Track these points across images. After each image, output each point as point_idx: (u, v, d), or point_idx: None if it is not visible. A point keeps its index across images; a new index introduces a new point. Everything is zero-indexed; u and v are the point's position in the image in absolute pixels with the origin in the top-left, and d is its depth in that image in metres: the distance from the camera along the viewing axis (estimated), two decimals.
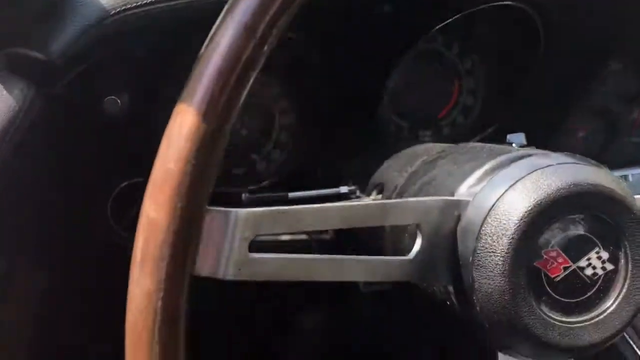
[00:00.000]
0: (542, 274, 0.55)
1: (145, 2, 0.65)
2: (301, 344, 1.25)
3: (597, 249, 0.56)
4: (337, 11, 0.86)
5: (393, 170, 0.79)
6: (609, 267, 0.57)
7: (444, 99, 1.25)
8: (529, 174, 0.56)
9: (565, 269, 0.56)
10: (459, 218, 0.57)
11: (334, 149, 1.08)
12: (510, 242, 0.53)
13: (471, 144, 0.77)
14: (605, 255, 0.56)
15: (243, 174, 1.15)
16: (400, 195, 0.72)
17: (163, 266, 0.46)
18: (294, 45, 0.93)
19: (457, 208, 0.56)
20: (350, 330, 1.29)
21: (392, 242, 0.66)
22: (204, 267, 0.49)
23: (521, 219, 0.53)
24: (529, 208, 0.53)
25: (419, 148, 0.85)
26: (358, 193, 0.83)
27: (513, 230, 0.53)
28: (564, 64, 1.10)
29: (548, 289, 0.55)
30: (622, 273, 0.57)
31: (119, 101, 0.73)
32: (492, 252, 0.53)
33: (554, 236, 0.55)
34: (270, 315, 1.23)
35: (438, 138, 1.25)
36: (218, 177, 0.49)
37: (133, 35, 0.67)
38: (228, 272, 0.49)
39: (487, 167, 0.60)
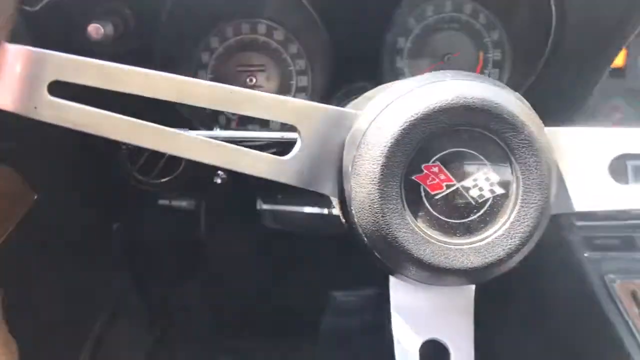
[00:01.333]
0: (422, 189, 0.54)
1: None
2: None
3: (485, 170, 0.54)
4: None
5: None
6: (499, 190, 0.54)
7: (467, 70, 1.21)
8: (420, 86, 0.55)
9: (448, 186, 0.54)
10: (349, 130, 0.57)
11: None
12: (383, 150, 0.52)
13: None
14: (494, 177, 0.54)
15: None
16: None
17: None
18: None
19: (347, 119, 0.57)
20: None
21: None
22: (2, 99, 0.52)
23: (397, 127, 0.53)
24: (407, 117, 0.53)
25: None
26: None
27: (388, 138, 0.53)
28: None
29: (427, 204, 0.54)
30: (512, 199, 0.54)
31: (101, 28, 0.81)
32: (368, 159, 0.53)
33: (437, 151, 0.54)
34: None
35: None
36: None
37: None
38: (24, 108, 0.52)
39: (396, 84, 0.60)
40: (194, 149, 0.55)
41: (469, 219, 0.54)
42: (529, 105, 0.57)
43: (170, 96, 0.54)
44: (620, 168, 0.92)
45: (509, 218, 0.54)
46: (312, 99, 1.20)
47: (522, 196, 0.53)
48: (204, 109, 1.16)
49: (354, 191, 0.54)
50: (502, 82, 1.19)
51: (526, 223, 0.53)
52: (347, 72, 1.11)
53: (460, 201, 0.54)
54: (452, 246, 0.54)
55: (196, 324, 1.61)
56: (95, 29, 0.80)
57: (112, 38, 0.85)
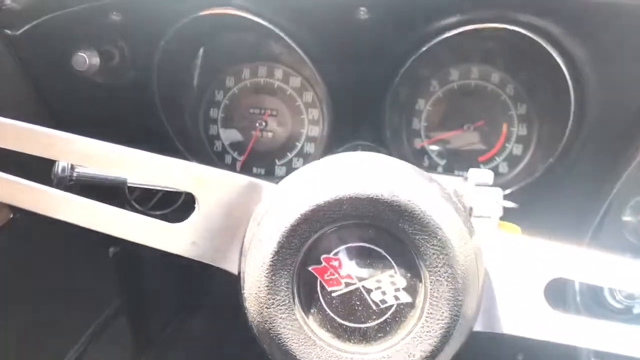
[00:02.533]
0: (318, 283, 0.48)
1: None
2: None
3: (391, 273, 0.47)
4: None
5: None
6: (404, 298, 0.47)
7: (488, 141, 1.13)
8: (333, 169, 0.49)
9: (347, 284, 0.48)
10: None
11: None
12: (279, 232, 0.47)
13: None
14: (401, 282, 0.47)
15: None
16: None
17: None
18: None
19: (258, 191, 0.52)
20: None
21: None
22: None
23: (298, 209, 0.47)
24: (310, 200, 0.47)
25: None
26: None
27: (286, 219, 0.47)
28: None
29: (322, 301, 0.48)
30: (417, 310, 0.47)
31: (86, 59, 0.81)
32: (263, 239, 0.48)
33: (340, 243, 0.48)
34: None
35: None
36: None
37: None
38: None
39: (319, 162, 0.55)
40: (75, 213, 0.52)
41: (367, 324, 0.48)
42: (464, 206, 0.50)
43: (45, 152, 0.51)
44: None
45: (411, 332, 0.47)
46: (319, 149, 1.17)
47: (428, 309, 0.46)
48: (200, 141, 1.16)
49: (246, 273, 0.49)
50: (525, 158, 1.13)
51: (429, 341, 0.46)
52: (355, 127, 1.06)
53: (359, 303, 0.48)
54: (343, 353, 0.47)
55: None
56: (80, 60, 0.80)
57: (103, 68, 0.85)
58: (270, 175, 1.19)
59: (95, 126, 0.97)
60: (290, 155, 1.18)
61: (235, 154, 1.19)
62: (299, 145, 1.18)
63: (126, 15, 0.83)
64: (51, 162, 0.64)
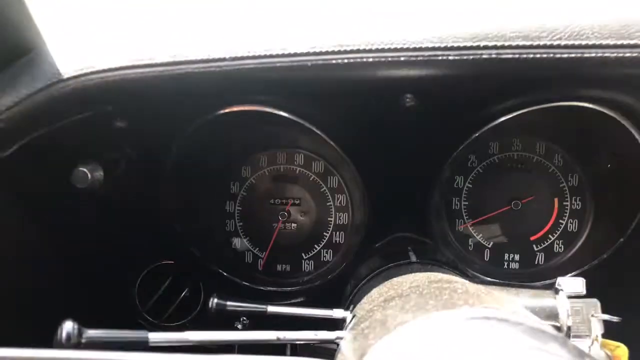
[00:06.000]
0: None
1: (101, 68, 0.62)
2: None
3: None
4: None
5: (368, 301, 0.63)
6: None
7: (538, 219, 1.01)
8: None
9: None
10: None
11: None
12: None
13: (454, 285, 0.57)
14: None
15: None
16: (351, 329, 0.56)
17: None
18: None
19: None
20: None
21: None
22: None
23: None
24: None
25: (400, 280, 0.66)
26: (346, 321, 0.67)
27: None
28: None
29: None
30: None
31: (88, 174, 0.69)
32: None
33: None
34: None
35: (527, 267, 1.02)
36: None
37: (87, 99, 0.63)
38: None
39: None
40: None
41: None
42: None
43: None
44: None
45: None
46: (350, 238, 1.05)
47: None
48: (216, 240, 1.03)
49: None
50: (581, 237, 1.00)
51: None
52: (394, 215, 0.94)
53: None
54: None
55: None
56: (80, 175, 0.69)
57: (109, 180, 0.74)
58: (297, 272, 1.06)
59: (100, 243, 0.88)
60: (318, 247, 1.06)
61: (256, 251, 1.06)
62: (327, 235, 1.06)
63: (132, 121, 0.72)
64: None
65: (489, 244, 1.02)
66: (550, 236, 1.00)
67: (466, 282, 0.60)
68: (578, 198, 0.99)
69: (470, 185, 1.02)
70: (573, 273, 0.91)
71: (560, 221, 1.00)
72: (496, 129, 0.77)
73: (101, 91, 0.64)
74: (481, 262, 1.02)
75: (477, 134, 0.75)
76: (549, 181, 1.00)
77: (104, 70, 0.63)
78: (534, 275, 0.99)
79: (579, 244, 0.99)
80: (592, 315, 0.60)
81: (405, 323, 0.43)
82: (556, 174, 0.99)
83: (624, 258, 0.86)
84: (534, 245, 1.01)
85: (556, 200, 1.00)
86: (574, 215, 1.00)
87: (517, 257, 1.02)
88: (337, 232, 1.06)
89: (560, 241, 1.00)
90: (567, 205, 0.99)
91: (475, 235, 1.03)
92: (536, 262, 1.01)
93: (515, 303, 0.57)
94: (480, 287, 0.57)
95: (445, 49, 0.58)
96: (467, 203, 1.02)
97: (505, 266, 1.02)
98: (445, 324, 0.41)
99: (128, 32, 0.67)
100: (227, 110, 0.74)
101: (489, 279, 0.90)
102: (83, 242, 0.84)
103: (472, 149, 1.00)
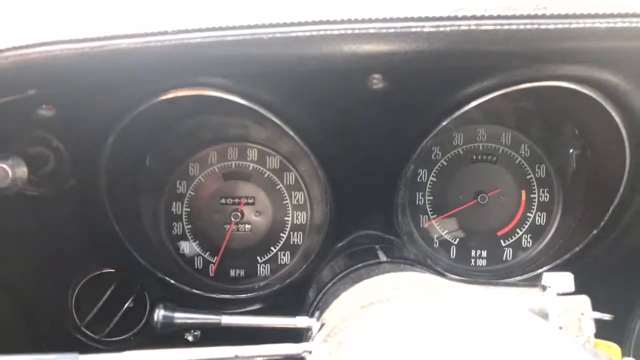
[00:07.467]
0: None
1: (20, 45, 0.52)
2: None
3: None
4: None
5: (339, 307, 0.55)
6: None
7: (505, 213, 0.97)
8: None
9: None
10: None
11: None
12: None
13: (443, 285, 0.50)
14: None
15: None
16: (322, 341, 0.48)
17: None
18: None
19: None
20: None
21: None
22: None
23: None
24: None
25: (376, 282, 0.60)
26: (312, 331, 0.60)
27: None
28: None
29: None
30: None
31: (9, 171, 0.59)
32: None
33: None
34: None
35: (495, 264, 0.97)
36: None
37: None
38: None
39: None
40: None
41: None
42: None
43: None
44: None
45: None
46: (309, 238, 0.97)
47: None
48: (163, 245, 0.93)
49: None
50: (550, 230, 0.96)
51: None
52: (358, 213, 0.87)
53: None
54: None
55: None
56: None
57: (34, 178, 0.64)
58: (252, 277, 0.98)
59: (29, 250, 0.78)
60: (274, 250, 0.98)
61: (207, 255, 0.97)
62: (284, 236, 0.98)
63: (60, 109, 0.62)
64: None
65: (454, 241, 0.97)
66: (518, 230, 0.96)
67: (454, 283, 0.54)
68: (546, 190, 0.95)
69: (435, 179, 0.97)
70: (544, 269, 0.87)
71: (528, 214, 0.96)
72: (462, 117, 0.71)
73: (20, 71, 0.54)
74: (447, 260, 0.96)
75: (447, 120, 0.68)
76: (515, 173, 0.96)
77: (22, 47, 0.54)
78: (502, 272, 0.94)
79: (548, 237, 0.95)
80: (583, 314, 0.55)
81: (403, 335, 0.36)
82: (523, 165, 0.95)
83: (600, 251, 0.82)
84: (502, 241, 0.96)
85: (523, 192, 0.96)
86: (541, 208, 0.96)
87: (484, 253, 0.97)
88: (295, 233, 0.99)
89: (529, 235, 0.96)
90: (534, 198, 0.95)
91: (440, 231, 0.97)
92: (504, 258, 0.96)
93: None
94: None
95: (420, 19, 0.51)
96: (431, 198, 0.97)
97: (473, 263, 0.97)
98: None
99: (52, 3, 0.58)
100: (170, 96, 0.66)
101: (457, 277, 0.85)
102: (8, 250, 0.73)
103: (436, 140, 0.94)
